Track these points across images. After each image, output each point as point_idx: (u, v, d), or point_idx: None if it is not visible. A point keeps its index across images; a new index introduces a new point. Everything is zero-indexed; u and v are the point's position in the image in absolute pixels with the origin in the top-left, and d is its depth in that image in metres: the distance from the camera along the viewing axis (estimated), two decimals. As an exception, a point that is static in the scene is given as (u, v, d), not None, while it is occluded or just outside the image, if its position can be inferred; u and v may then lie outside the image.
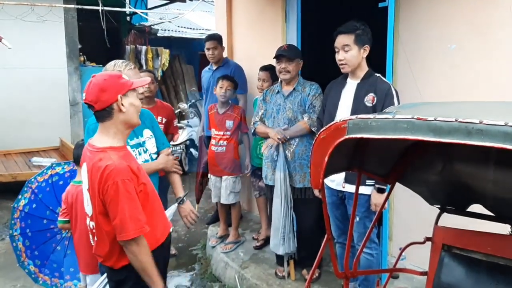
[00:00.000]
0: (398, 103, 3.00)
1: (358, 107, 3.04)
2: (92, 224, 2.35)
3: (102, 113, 2.21)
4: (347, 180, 3.10)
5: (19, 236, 3.39)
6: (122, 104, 2.20)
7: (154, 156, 2.98)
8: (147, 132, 2.99)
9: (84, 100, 2.21)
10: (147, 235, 2.29)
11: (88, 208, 2.36)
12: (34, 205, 3.39)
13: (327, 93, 3.41)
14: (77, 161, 3.19)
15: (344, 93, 3.19)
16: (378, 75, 3.13)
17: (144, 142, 2.94)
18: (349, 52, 3.05)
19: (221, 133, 4.47)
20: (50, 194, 3.35)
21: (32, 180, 3.45)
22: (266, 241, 4.50)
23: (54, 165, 3.52)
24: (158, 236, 2.41)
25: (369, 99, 3.02)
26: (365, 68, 3.14)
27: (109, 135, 2.24)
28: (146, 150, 2.95)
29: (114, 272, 2.35)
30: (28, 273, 3.46)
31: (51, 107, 8.44)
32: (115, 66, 2.87)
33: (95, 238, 2.35)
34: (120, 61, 2.96)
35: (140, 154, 2.91)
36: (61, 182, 3.42)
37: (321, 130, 1.76)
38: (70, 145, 7.66)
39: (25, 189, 3.47)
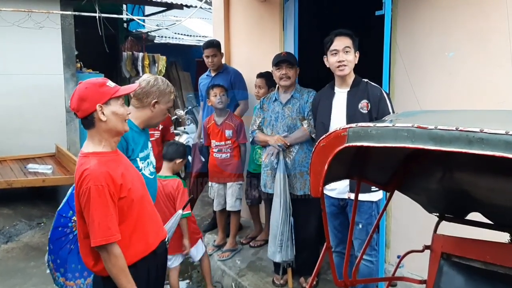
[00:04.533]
0: (391, 106, 3.03)
1: (353, 115, 3.04)
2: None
3: (85, 121, 2.22)
4: (352, 190, 3.07)
5: (49, 256, 3.42)
6: (103, 113, 2.19)
7: (154, 168, 3.02)
8: (149, 144, 3.02)
9: (70, 106, 2.24)
10: (136, 241, 2.29)
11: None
12: (54, 220, 3.41)
13: (315, 104, 3.40)
14: (165, 157, 3.82)
15: (335, 103, 3.18)
16: (366, 80, 3.14)
17: (149, 154, 2.95)
18: (349, 55, 3.06)
19: (223, 143, 4.46)
20: (64, 205, 3.36)
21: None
22: (263, 243, 4.55)
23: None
24: (150, 242, 2.39)
25: (363, 106, 3.03)
26: (353, 75, 3.16)
27: (94, 141, 2.25)
28: (151, 162, 2.96)
29: (104, 280, 2.32)
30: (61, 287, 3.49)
31: (47, 114, 8.39)
32: (168, 86, 2.91)
33: (79, 243, 2.36)
34: (168, 81, 2.97)
35: (148, 165, 2.91)
36: (73, 191, 3.43)
37: (320, 138, 1.76)
38: (66, 151, 7.62)
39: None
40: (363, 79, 3.14)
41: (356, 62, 3.12)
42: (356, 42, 3.08)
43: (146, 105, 2.82)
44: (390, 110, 2.98)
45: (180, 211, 3.05)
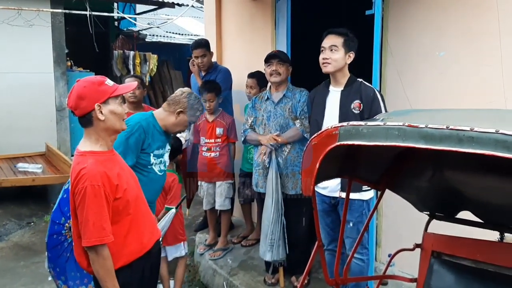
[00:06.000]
0: (384, 107, 3.02)
1: (345, 115, 3.04)
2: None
3: (83, 119, 2.21)
4: (343, 189, 3.08)
5: (48, 263, 3.38)
6: (101, 112, 2.19)
7: (166, 168, 3.22)
8: (167, 146, 3.21)
9: (67, 105, 2.23)
10: (131, 241, 2.29)
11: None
12: (49, 228, 3.38)
13: (310, 101, 3.41)
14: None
15: (329, 102, 3.19)
16: (360, 80, 3.14)
17: (163, 154, 3.14)
18: (336, 53, 3.05)
19: (212, 140, 4.44)
20: (56, 211, 3.34)
21: None
22: (255, 242, 4.56)
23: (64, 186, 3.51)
24: (145, 243, 2.38)
25: (356, 106, 3.03)
26: (347, 74, 3.15)
27: (91, 140, 2.24)
28: (163, 161, 3.15)
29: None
30: None
31: (38, 112, 8.33)
32: (198, 103, 3.21)
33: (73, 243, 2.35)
34: (201, 101, 3.32)
35: (160, 163, 3.11)
36: (65, 196, 3.40)
37: (312, 137, 1.76)
38: (56, 150, 7.57)
39: None
40: (358, 79, 3.14)
41: (348, 62, 3.10)
42: (349, 41, 3.06)
43: (172, 111, 3.11)
44: (383, 111, 2.98)
45: (173, 210, 3.07)
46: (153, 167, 3.04)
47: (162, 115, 3.13)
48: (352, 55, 3.09)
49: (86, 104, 2.16)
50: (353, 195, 3.02)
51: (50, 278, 3.39)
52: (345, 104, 3.08)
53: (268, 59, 3.71)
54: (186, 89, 3.25)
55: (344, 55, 3.06)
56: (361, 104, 3.02)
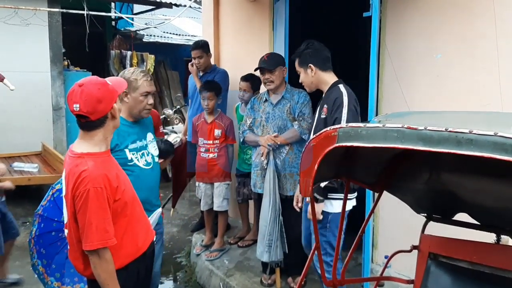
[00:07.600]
0: (347, 112, 2.91)
1: (317, 120, 3.13)
2: (66, 232, 2.31)
3: (95, 123, 2.15)
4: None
5: (37, 260, 3.36)
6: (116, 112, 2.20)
7: (156, 159, 3.06)
8: (150, 136, 3.06)
9: (77, 111, 2.08)
10: (126, 243, 2.27)
11: (65, 216, 2.31)
12: (42, 225, 3.37)
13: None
14: None
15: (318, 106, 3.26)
16: (339, 85, 3.07)
17: (146, 145, 2.98)
18: (300, 75, 3.19)
19: (211, 142, 4.44)
20: (53, 209, 3.32)
21: (38, 208, 3.46)
22: (251, 243, 4.59)
23: (53, 185, 3.48)
24: (140, 244, 2.37)
25: (323, 111, 3.06)
26: (328, 82, 3.13)
27: (92, 141, 2.19)
28: (149, 153, 2.99)
29: (94, 283, 2.28)
30: None
31: (34, 112, 8.29)
32: (132, 74, 2.90)
33: (68, 247, 2.33)
34: (139, 69, 2.99)
35: (142, 156, 2.93)
36: (61, 195, 3.39)
37: (311, 138, 1.76)
38: (53, 150, 7.54)
39: (34, 219, 3.48)
40: (338, 85, 3.08)
41: (313, 74, 3.10)
42: (302, 58, 3.13)
43: (120, 98, 2.82)
44: (343, 116, 2.88)
45: (160, 209, 3.04)
46: (136, 162, 2.89)
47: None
48: (312, 66, 3.10)
49: (105, 106, 2.13)
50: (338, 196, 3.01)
51: (36, 276, 3.38)
52: (319, 109, 3.15)
53: (259, 69, 3.73)
54: (124, 70, 3.04)
55: (304, 72, 3.14)
56: (327, 109, 3.03)
